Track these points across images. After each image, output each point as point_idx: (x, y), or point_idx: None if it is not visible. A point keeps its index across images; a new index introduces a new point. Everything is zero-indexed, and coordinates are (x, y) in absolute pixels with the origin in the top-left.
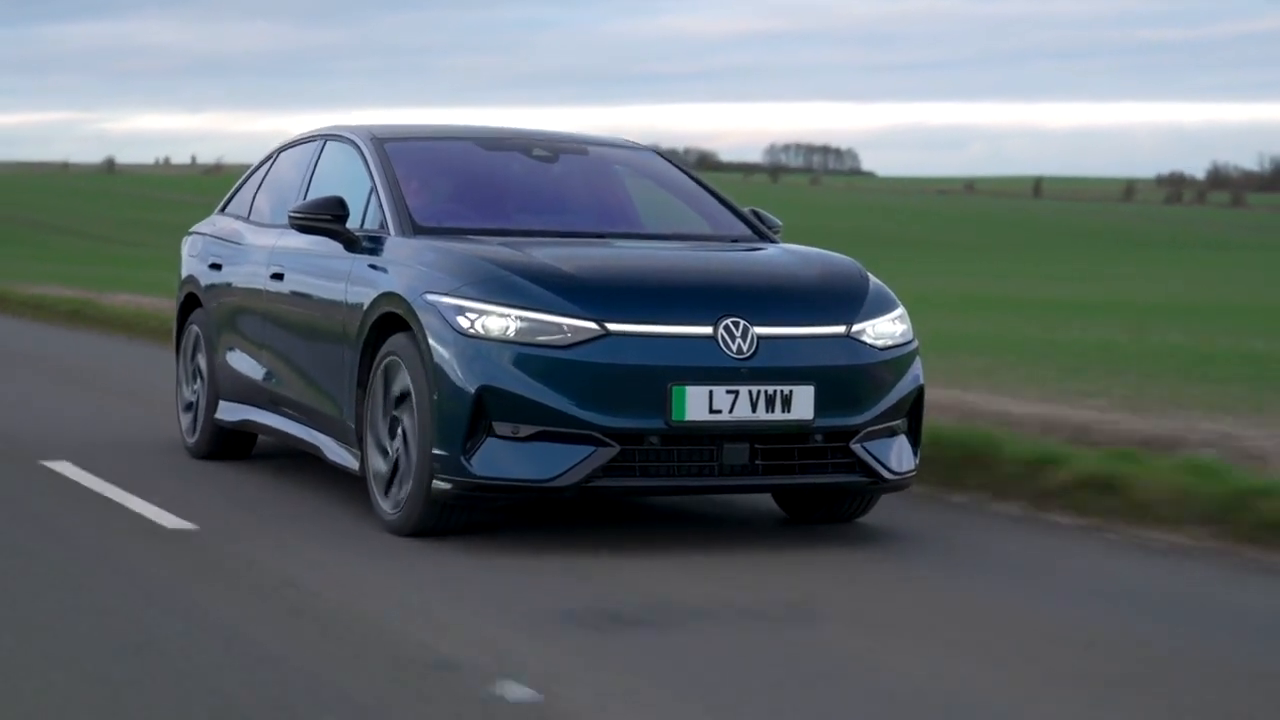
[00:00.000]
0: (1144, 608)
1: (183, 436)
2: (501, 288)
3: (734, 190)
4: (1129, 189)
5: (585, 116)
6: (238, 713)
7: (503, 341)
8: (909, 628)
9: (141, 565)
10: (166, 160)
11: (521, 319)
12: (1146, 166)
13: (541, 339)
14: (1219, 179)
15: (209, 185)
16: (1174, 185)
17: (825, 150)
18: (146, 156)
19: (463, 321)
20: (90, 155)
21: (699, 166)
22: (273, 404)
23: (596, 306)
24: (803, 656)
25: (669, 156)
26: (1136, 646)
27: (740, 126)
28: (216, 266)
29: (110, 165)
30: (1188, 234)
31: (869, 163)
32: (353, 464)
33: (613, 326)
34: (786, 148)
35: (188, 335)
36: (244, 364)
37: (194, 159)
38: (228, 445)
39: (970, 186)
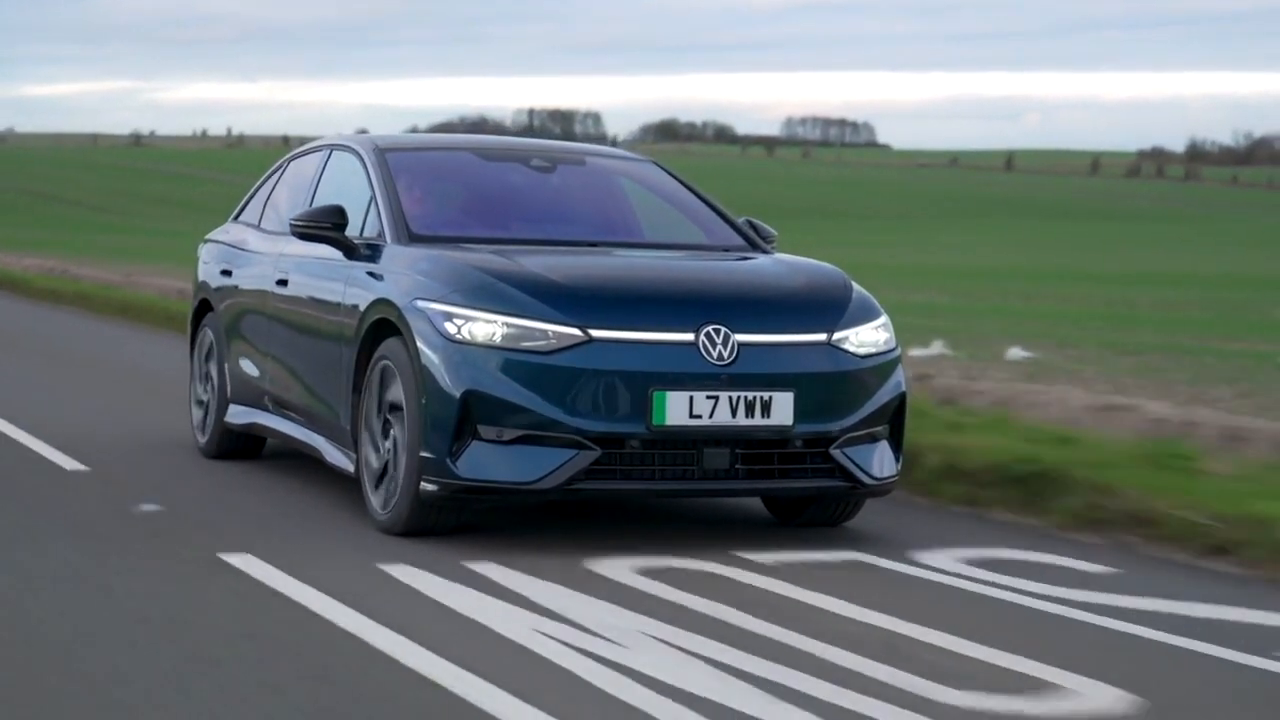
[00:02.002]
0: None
1: (195, 437)
2: (487, 295)
3: (736, 164)
4: (1095, 163)
5: (636, 86)
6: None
7: (488, 347)
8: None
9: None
10: (204, 132)
11: (507, 325)
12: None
13: (526, 345)
14: (1196, 154)
15: (227, 159)
16: (1152, 160)
17: (842, 123)
18: (186, 128)
19: (450, 327)
20: (144, 125)
21: (716, 139)
22: (278, 407)
23: (580, 313)
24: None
25: (667, 167)
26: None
27: (786, 98)
28: (227, 272)
29: (137, 139)
30: (1095, 205)
31: (887, 135)
32: (349, 466)
33: (596, 333)
34: (804, 121)
35: (201, 339)
36: (251, 368)
37: (229, 130)
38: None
39: (955, 160)
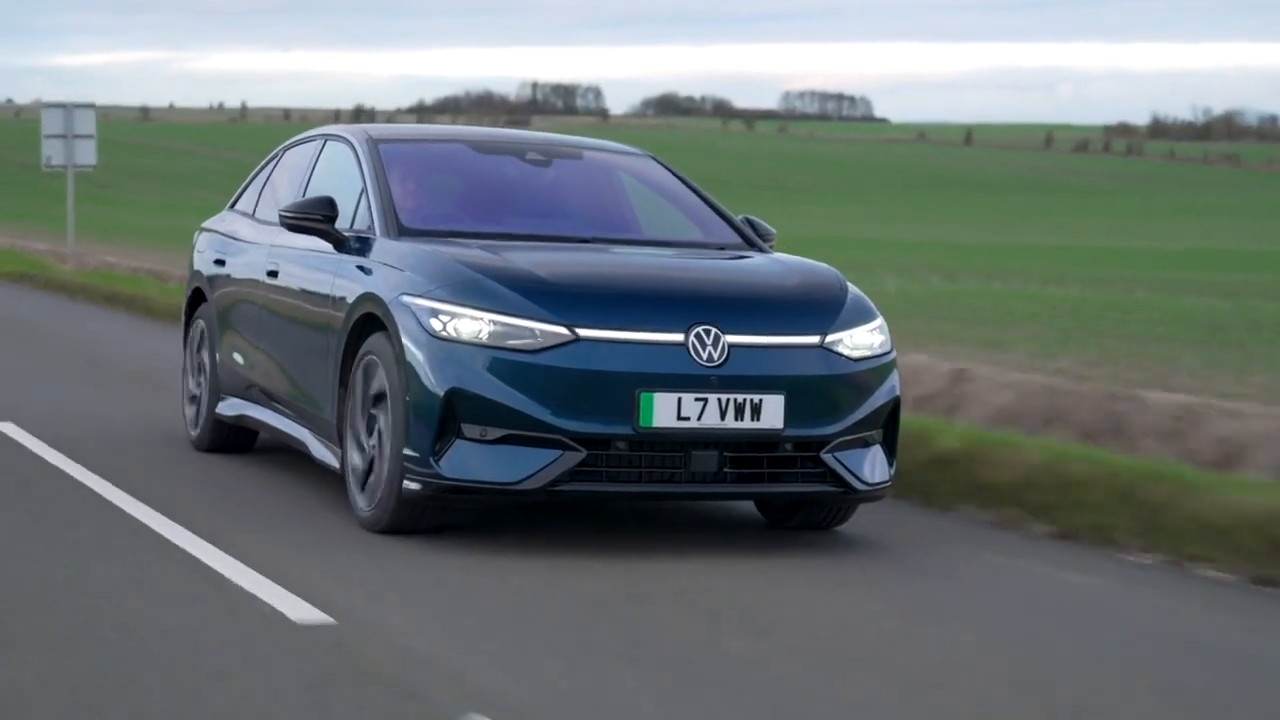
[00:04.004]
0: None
1: (186, 429)
2: (474, 291)
3: (705, 140)
4: (1048, 139)
5: (669, 56)
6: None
7: (474, 344)
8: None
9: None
10: (220, 105)
11: (493, 323)
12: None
13: (512, 343)
14: (1159, 129)
15: (227, 134)
16: (1115, 135)
17: (839, 97)
18: (214, 99)
19: (435, 324)
20: (173, 96)
21: (714, 113)
22: (267, 400)
23: (568, 312)
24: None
25: (664, 162)
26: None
27: (813, 69)
28: (220, 262)
29: (145, 113)
30: (1024, 180)
31: (887, 109)
32: (334, 462)
33: (583, 332)
34: (801, 95)
35: (194, 329)
36: (241, 359)
37: (244, 104)
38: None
39: (922, 135)
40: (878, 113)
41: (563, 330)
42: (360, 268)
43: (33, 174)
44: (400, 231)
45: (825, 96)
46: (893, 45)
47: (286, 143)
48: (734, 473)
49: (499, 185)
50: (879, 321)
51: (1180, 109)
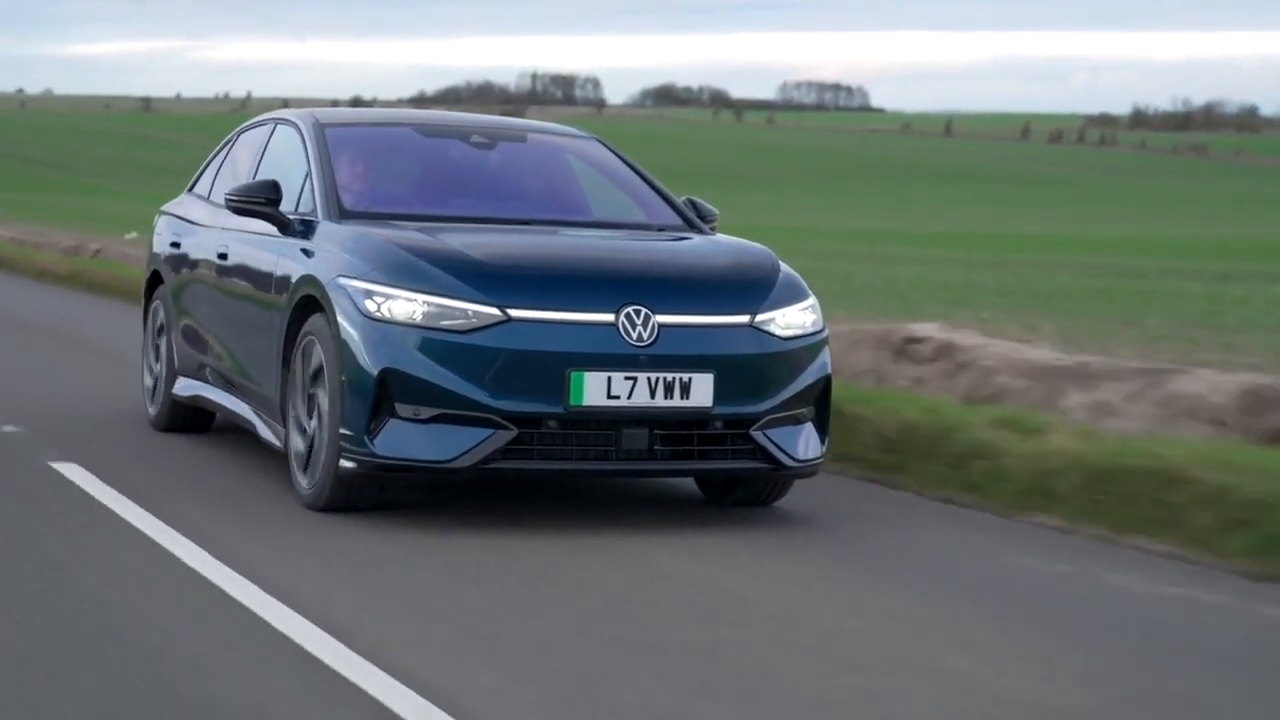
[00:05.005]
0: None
1: (146, 409)
2: (408, 273)
3: (693, 131)
4: (1026, 129)
5: (670, 46)
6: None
7: (408, 325)
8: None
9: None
10: (226, 95)
11: (427, 304)
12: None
13: (445, 323)
14: (1140, 119)
15: (227, 124)
16: (1100, 126)
17: (836, 88)
18: (222, 89)
19: (370, 305)
20: (185, 87)
21: (711, 103)
22: (220, 381)
23: (499, 292)
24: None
25: (610, 145)
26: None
27: (815, 60)
28: (176, 245)
29: (147, 104)
30: (987, 169)
31: (884, 99)
32: (278, 441)
33: (514, 312)
34: (799, 85)
35: (152, 311)
36: (194, 340)
37: (249, 94)
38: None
39: (907, 125)
40: (876, 103)
41: (494, 311)
42: (303, 250)
43: (20, 165)
44: (342, 214)
45: (823, 87)
46: (899, 35)
47: (241, 126)
48: (665, 450)
49: (442, 168)
50: (811, 301)
51: (1190, 98)
